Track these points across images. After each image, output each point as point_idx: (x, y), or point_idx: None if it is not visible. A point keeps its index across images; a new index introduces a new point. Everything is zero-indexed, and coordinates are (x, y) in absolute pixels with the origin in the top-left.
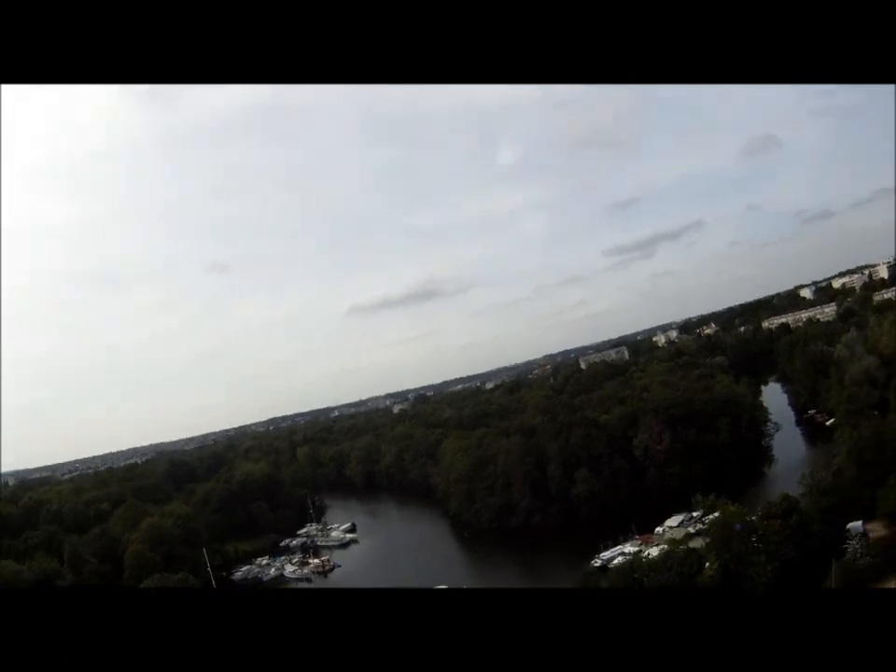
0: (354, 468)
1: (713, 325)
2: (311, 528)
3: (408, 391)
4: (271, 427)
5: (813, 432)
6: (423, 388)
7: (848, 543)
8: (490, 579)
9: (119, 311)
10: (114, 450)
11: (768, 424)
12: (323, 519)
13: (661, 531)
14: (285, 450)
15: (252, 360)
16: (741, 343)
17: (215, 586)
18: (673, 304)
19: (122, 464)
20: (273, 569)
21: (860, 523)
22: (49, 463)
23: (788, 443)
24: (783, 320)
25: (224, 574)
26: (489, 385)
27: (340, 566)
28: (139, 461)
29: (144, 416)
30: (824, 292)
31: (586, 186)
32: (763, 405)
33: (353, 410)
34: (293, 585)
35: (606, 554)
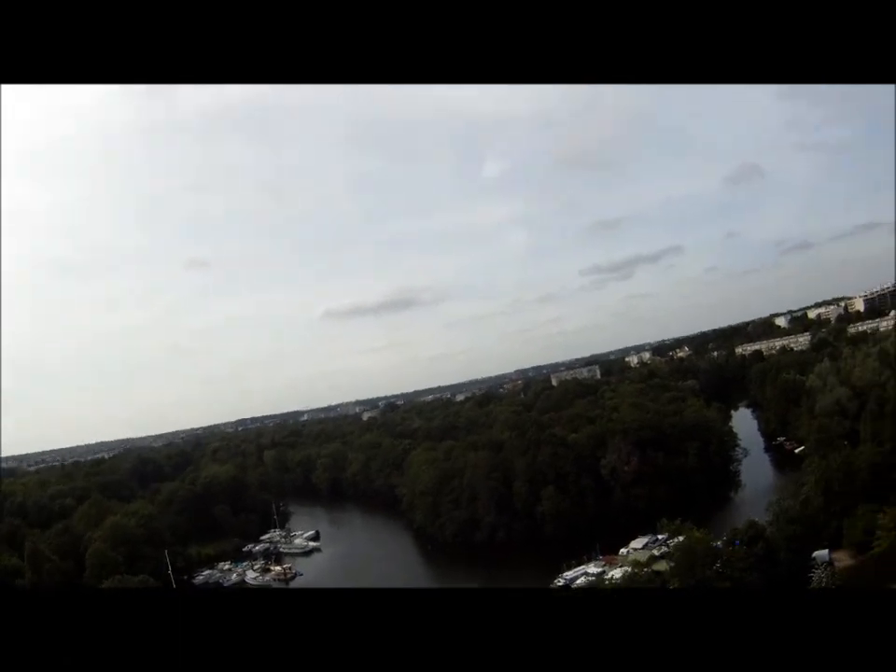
0: (320, 474)
1: (686, 348)
2: (274, 534)
3: (378, 399)
4: (240, 428)
5: (782, 459)
6: (393, 397)
7: (814, 572)
8: None
9: (91, 300)
10: (82, 443)
11: (737, 449)
12: (287, 525)
13: (625, 552)
14: (252, 452)
15: (224, 359)
16: (714, 368)
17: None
18: (647, 326)
19: (90, 458)
20: (234, 575)
21: (826, 551)
22: (16, 453)
23: (756, 469)
24: (756, 347)
25: (185, 577)
26: (460, 397)
27: (302, 574)
28: (106, 455)
29: (113, 409)
30: (799, 322)
31: (569, 204)
32: (732, 430)
33: (322, 415)
34: None
35: (569, 574)
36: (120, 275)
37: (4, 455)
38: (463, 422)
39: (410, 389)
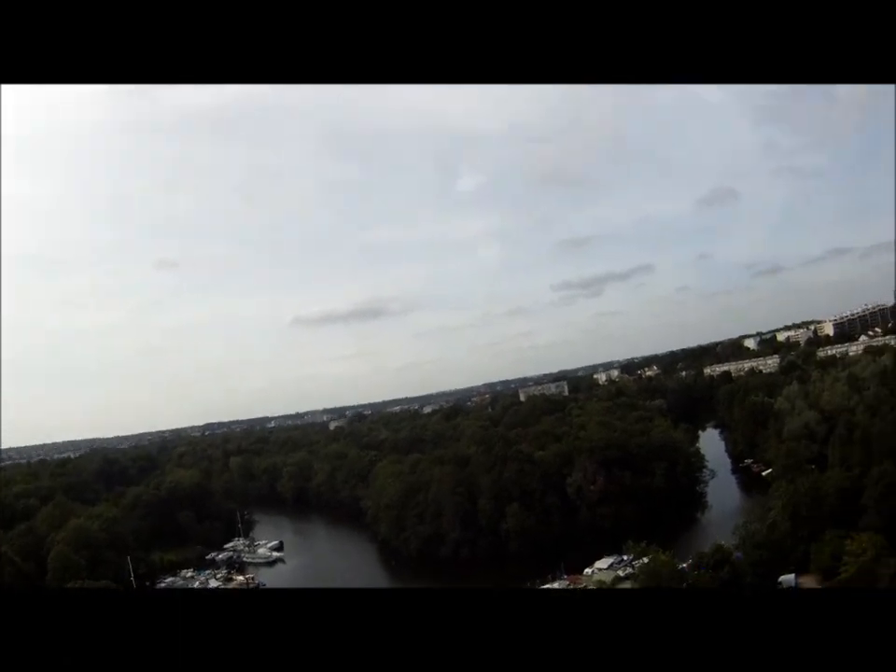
0: (285, 483)
1: (655, 367)
2: (238, 543)
3: (346, 408)
4: (206, 433)
5: (749, 481)
6: (361, 406)
7: None
8: None
9: (60, 297)
10: (48, 441)
11: (704, 470)
12: (251, 534)
13: (590, 572)
14: (218, 458)
15: (193, 362)
16: (682, 388)
17: None
18: (616, 344)
19: (56, 456)
20: (196, 583)
21: (792, 576)
22: None
23: (723, 490)
24: (725, 368)
25: (147, 584)
26: (427, 409)
27: (265, 584)
28: (73, 455)
29: (80, 408)
30: (768, 344)
31: (542, 220)
32: (699, 452)
33: (290, 422)
34: None
35: None
36: (90, 273)
37: None
38: (430, 435)
39: (378, 399)
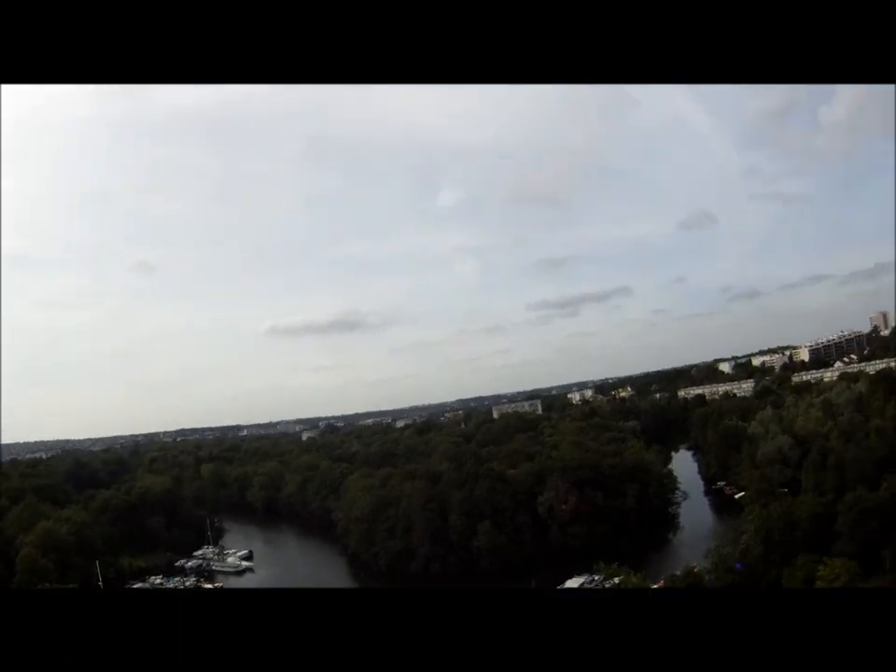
0: (256, 492)
1: (629, 388)
2: (207, 551)
3: (319, 419)
4: (178, 439)
5: (721, 504)
6: (334, 418)
7: None
8: None
9: (35, 296)
10: (20, 440)
11: (676, 492)
12: (221, 542)
13: None
14: (189, 465)
15: (166, 367)
16: (656, 410)
17: None
18: (591, 364)
19: (28, 456)
20: None
21: None
22: None
23: (695, 512)
24: (700, 391)
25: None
26: (400, 423)
27: None
28: (44, 455)
29: (52, 409)
30: (743, 368)
31: (520, 239)
32: (672, 473)
33: (262, 431)
34: None
35: None
36: (67, 272)
37: None
38: (402, 449)
39: (351, 411)
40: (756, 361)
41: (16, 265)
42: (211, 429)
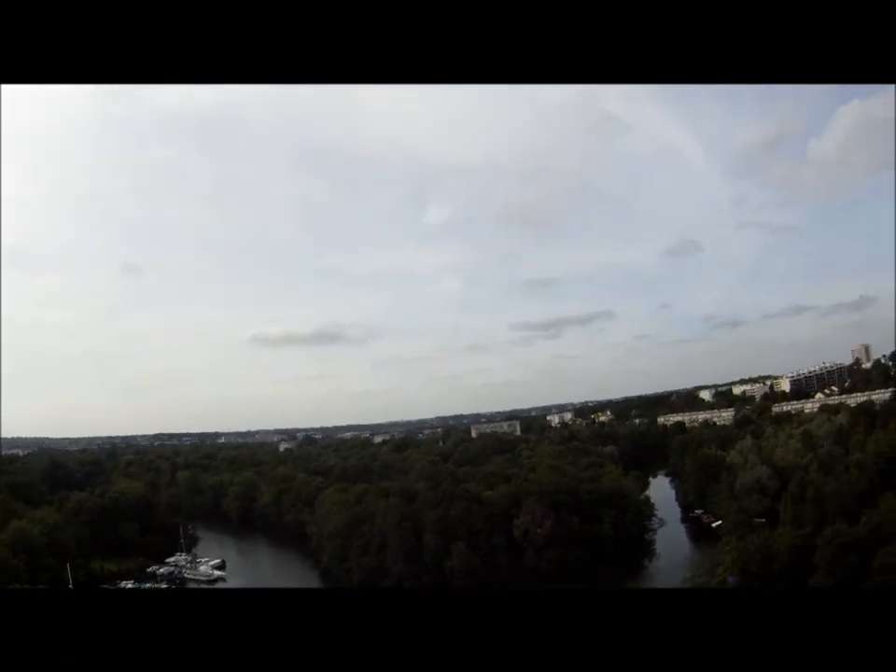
0: (231, 502)
1: (609, 412)
2: (180, 558)
3: (298, 430)
4: (156, 443)
5: (698, 532)
6: (313, 430)
7: None
8: None
9: (21, 292)
10: None
11: (653, 519)
12: (194, 550)
13: None
14: (165, 471)
15: (147, 370)
16: (635, 435)
17: None
18: (572, 387)
19: (4, 453)
20: None
21: None
22: None
23: (672, 539)
24: (679, 418)
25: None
26: (379, 439)
27: None
28: (21, 453)
29: (30, 407)
30: (723, 396)
31: (505, 259)
32: (649, 500)
33: (240, 439)
34: None
35: None
36: (55, 271)
37: None
38: (379, 465)
39: (330, 424)
40: (737, 390)
41: (9, 260)
42: (189, 435)
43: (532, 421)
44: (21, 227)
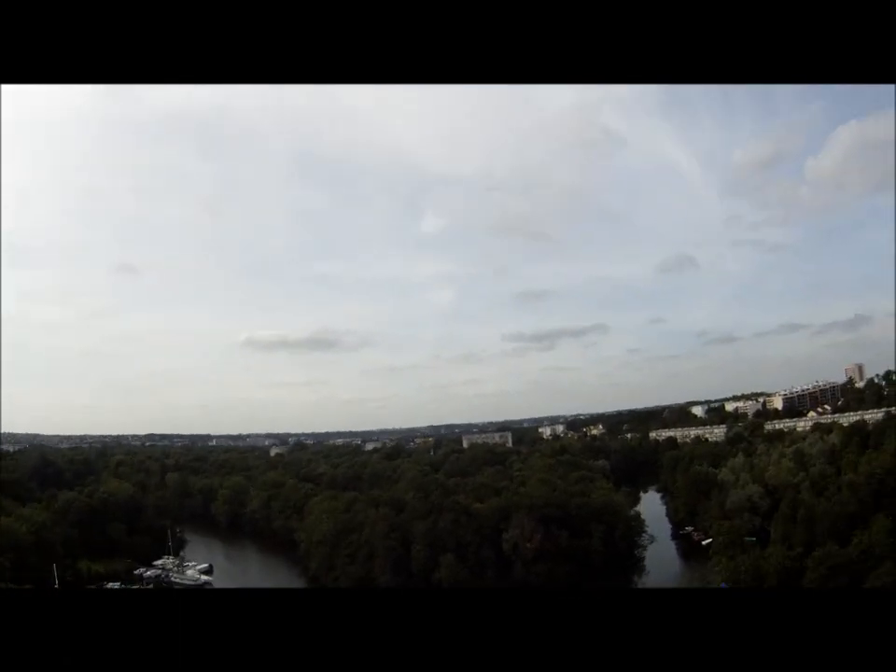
0: (220, 506)
1: (601, 426)
2: (167, 561)
3: (289, 434)
4: (147, 444)
5: (688, 549)
6: (304, 435)
7: None
8: None
9: (18, 287)
10: None
11: (643, 535)
12: (181, 553)
13: None
14: (155, 472)
15: (140, 370)
16: (626, 450)
17: None
18: (564, 399)
19: None
20: None
21: None
22: None
23: (662, 555)
24: (671, 433)
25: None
26: (370, 446)
27: None
28: (12, 449)
29: (23, 403)
30: (716, 413)
31: (500, 270)
32: (639, 516)
33: (231, 443)
34: None
35: None
36: (51, 268)
37: None
38: (369, 473)
39: (321, 430)
40: (729, 406)
41: (5, 254)
42: (181, 436)
43: (524, 432)
44: (17, 220)
